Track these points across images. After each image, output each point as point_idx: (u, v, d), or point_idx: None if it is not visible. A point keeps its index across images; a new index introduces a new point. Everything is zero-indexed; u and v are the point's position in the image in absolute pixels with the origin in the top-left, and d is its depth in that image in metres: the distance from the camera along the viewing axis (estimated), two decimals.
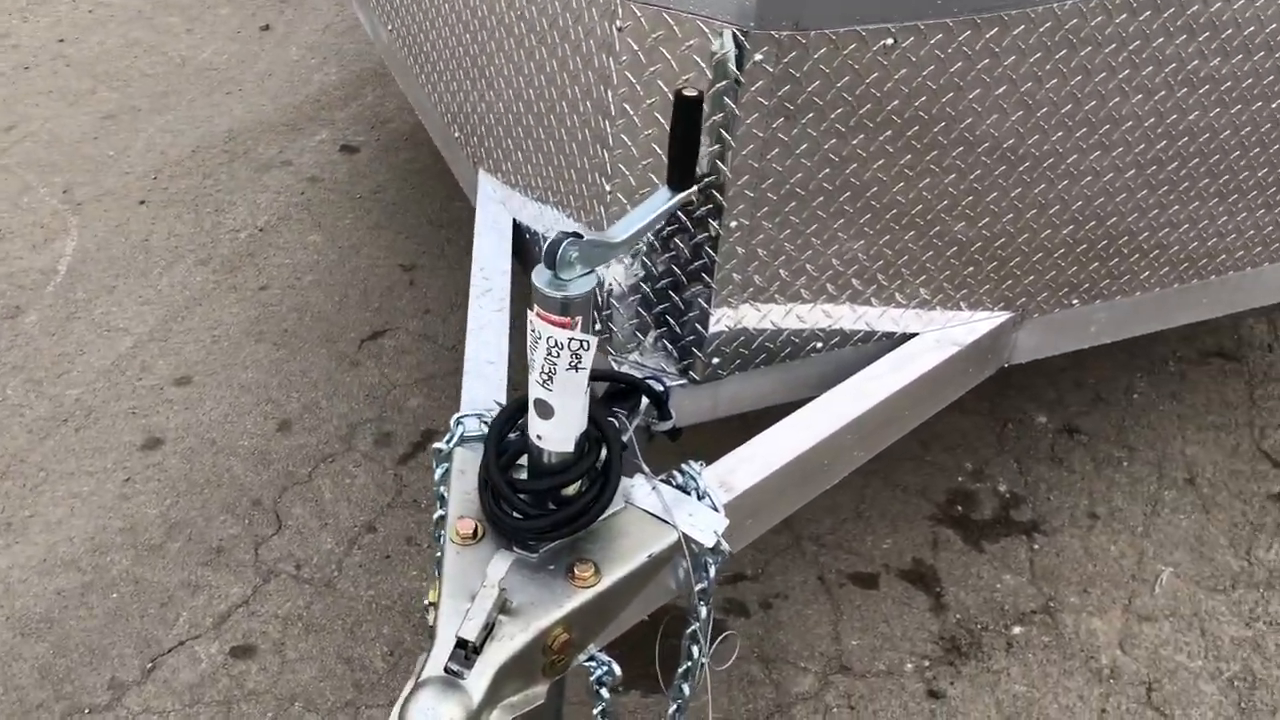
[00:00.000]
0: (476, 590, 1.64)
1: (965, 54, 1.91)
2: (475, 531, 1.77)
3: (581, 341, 1.58)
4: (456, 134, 2.79)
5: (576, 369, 1.61)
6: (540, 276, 1.55)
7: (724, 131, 1.83)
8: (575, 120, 2.08)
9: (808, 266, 2.05)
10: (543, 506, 1.76)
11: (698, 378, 2.11)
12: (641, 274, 2.04)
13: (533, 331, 1.60)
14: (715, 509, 1.85)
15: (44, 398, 3.12)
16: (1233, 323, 3.57)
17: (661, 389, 2.08)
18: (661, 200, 1.64)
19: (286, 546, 2.75)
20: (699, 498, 1.86)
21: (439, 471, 1.93)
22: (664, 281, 2.03)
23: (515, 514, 1.73)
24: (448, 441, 1.93)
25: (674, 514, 1.81)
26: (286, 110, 4.39)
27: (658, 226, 1.87)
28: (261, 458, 2.97)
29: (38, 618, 2.55)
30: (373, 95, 4.49)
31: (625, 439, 1.95)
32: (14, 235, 3.71)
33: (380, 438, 3.06)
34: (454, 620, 1.62)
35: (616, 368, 2.14)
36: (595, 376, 2.08)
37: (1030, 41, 1.94)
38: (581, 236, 1.55)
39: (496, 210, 2.54)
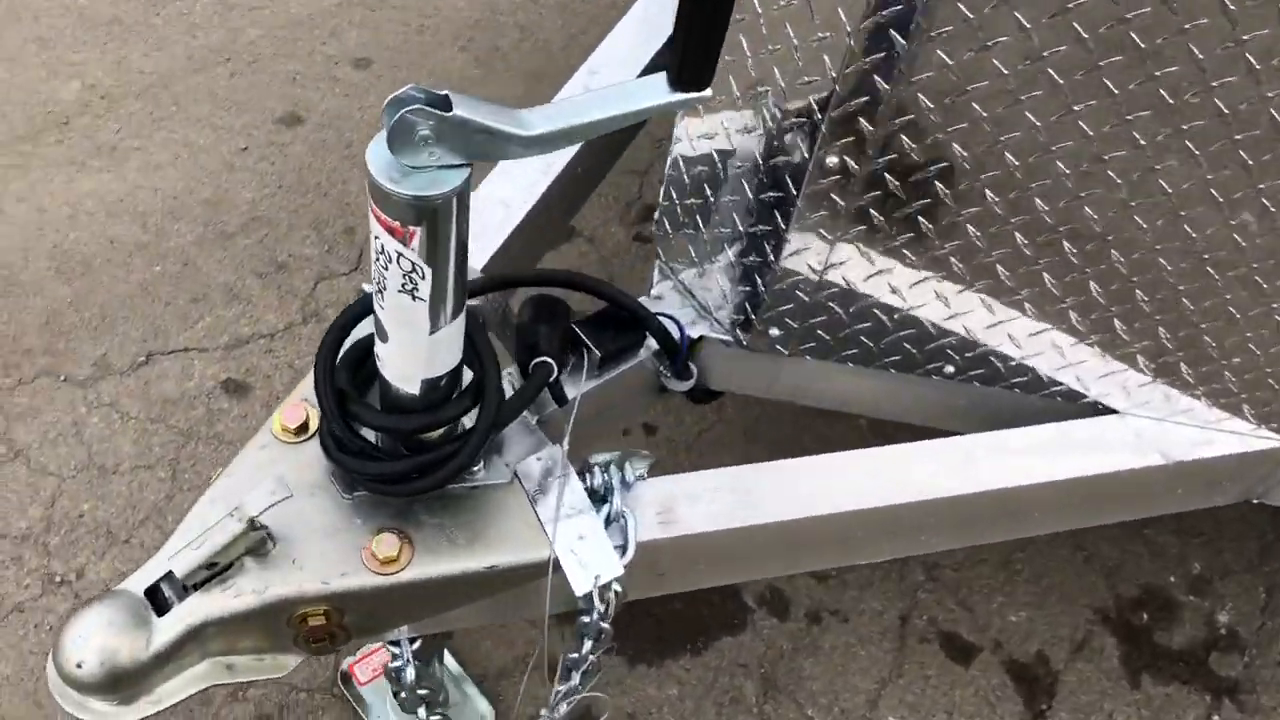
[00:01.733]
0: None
1: None
2: (304, 427, 1.29)
3: (415, 266, 1.00)
4: None
5: (413, 296, 1.04)
6: (374, 153, 0.95)
7: (840, 14, 1.10)
8: None
9: (952, 259, 1.31)
10: (393, 444, 1.24)
11: (745, 342, 1.45)
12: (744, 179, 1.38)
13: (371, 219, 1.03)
14: (623, 547, 1.26)
15: (223, 27, 2.84)
16: None
17: (678, 336, 1.45)
18: (647, 94, 0.98)
19: (350, 291, 2.39)
20: (608, 519, 1.27)
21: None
22: (734, 200, 1.36)
23: (338, 439, 1.22)
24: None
25: (559, 526, 1.24)
26: None
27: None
28: None
29: (79, 259, 2.36)
30: None
31: (573, 395, 1.37)
32: None
33: None
34: (195, 531, 1.19)
35: (658, 279, 1.52)
36: (581, 287, 1.48)
37: None
38: (448, 101, 0.93)
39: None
